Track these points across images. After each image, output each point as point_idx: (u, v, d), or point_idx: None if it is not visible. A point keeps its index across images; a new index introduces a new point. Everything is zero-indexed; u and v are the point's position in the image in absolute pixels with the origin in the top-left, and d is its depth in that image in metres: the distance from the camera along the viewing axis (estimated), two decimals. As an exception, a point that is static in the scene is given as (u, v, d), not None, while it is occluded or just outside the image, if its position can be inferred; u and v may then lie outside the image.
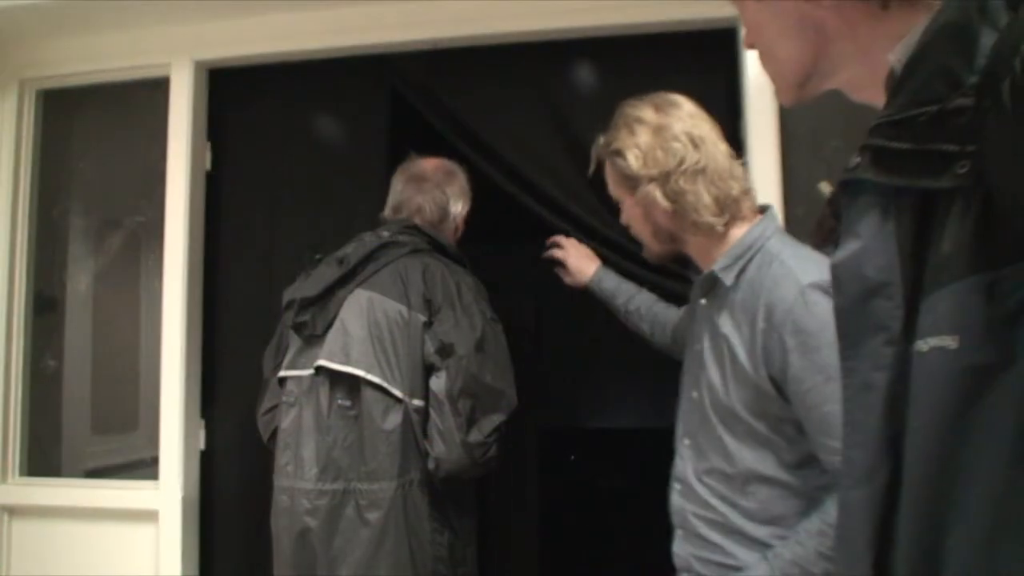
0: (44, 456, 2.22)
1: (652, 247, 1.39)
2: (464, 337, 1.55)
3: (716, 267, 1.28)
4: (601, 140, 1.36)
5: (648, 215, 1.32)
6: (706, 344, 1.30)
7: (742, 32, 0.69)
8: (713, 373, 1.27)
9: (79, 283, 2.25)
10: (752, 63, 1.86)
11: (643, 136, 1.28)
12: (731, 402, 1.23)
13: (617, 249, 1.94)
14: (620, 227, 1.92)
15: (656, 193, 1.27)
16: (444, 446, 1.52)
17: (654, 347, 1.73)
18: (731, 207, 1.28)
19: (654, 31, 1.95)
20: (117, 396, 2.24)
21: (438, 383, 1.54)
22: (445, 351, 1.54)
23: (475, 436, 1.53)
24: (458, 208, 1.79)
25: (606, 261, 1.87)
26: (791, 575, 1.13)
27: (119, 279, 2.27)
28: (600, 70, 2.03)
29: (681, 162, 1.26)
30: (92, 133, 2.29)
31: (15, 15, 2.07)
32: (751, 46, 0.68)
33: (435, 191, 1.76)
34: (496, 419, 1.56)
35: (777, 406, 1.19)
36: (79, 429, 2.23)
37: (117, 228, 2.26)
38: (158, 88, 2.18)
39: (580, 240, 1.95)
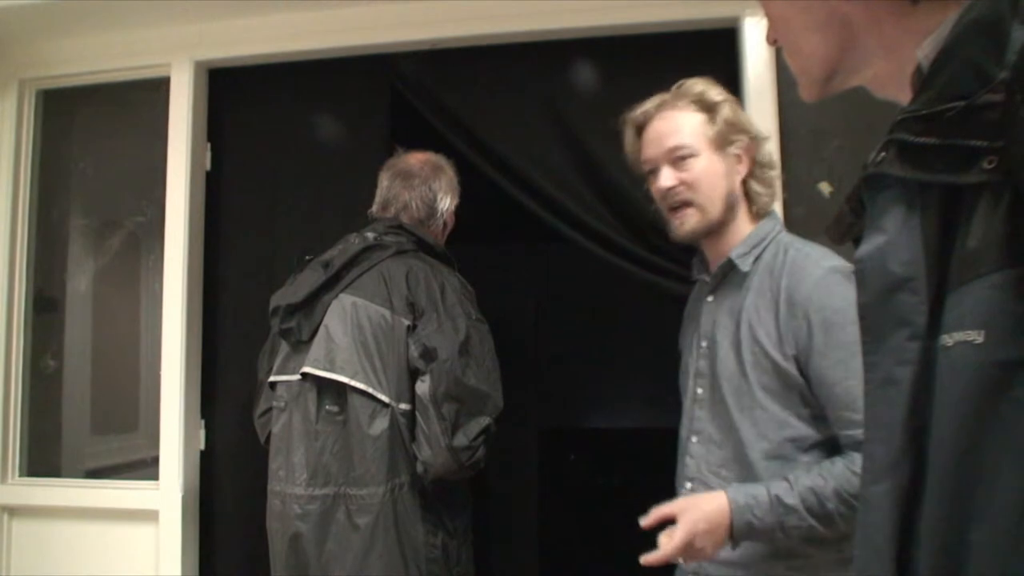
0: (44, 456, 2.21)
1: (706, 215, 1.32)
2: (447, 341, 1.55)
3: (733, 254, 1.31)
4: (697, 87, 1.35)
5: (732, 173, 1.33)
6: (718, 336, 1.32)
7: (766, 27, 0.68)
8: (730, 361, 1.28)
9: (79, 283, 2.25)
10: (752, 64, 1.86)
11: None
12: (750, 387, 1.24)
13: (616, 249, 1.94)
14: (619, 227, 1.94)
15: (758, 145, 1.35)
16: (430, 451, 1.52)
17: None
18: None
19: (654, 31, 1.96)
20: (117, 396, 2.24)
21: (423, 387, 1.54)
22: (428, 355, 1.54)
23: (460, 440, 1.52)
24: (446, 204, 1.78)
25: (602, 261, 1.86)
26: (807, 500, 1.16)
27: (119, 279, 2.27)
28: (600, 70, 2.03)
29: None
30: (92, 133, 2.29)
31: (15, 15, 2.07)
32: (774, 41, 0.67)
33: (422, 187, 1.75)
34: (482, 422, 1.55)
35: (799, 389, 1.22)
36: (79, 429, 2.23)
37: (117, 228, 2.26)
38: (158, 88, 2.18)
39: (579, 240, 1.94)
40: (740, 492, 1.19)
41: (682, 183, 1.31)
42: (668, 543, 1.16)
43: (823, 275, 1.21)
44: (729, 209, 1.33)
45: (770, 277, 1.27)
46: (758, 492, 1.18)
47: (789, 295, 1.23)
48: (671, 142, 1.32)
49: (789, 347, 1.21)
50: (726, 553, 1.25)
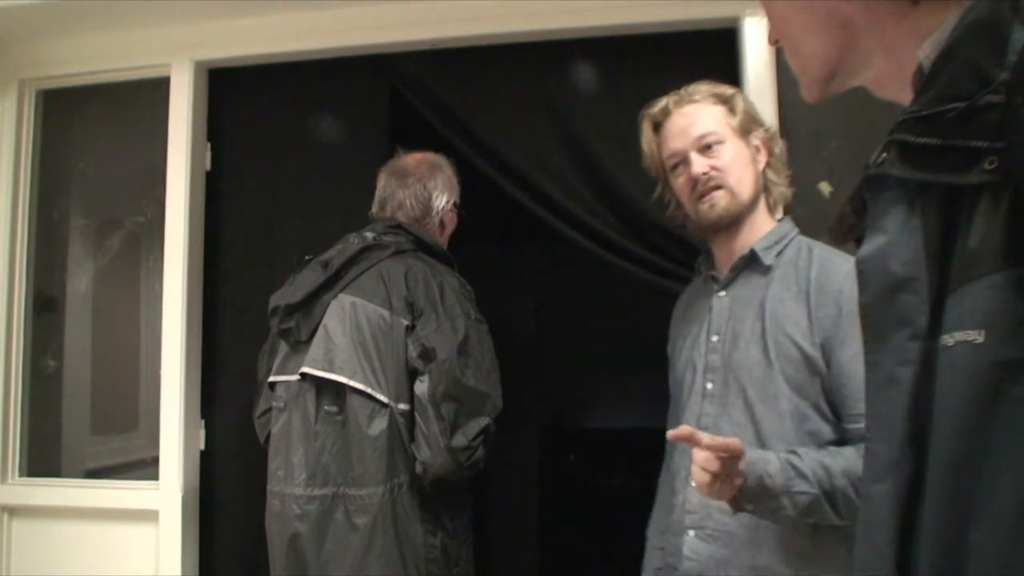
0: (44, 456, 2.21)
1: (736, 198, 1.33)
2: (446, 341, 1.54)
3: (757, 246, 1.33)
4: (705, 85, 1.38)
5: (755, 161, 1.37)
6: (735, 329, 1.32)
7: (767, 27, 0.68)
8: (752, 352, 1.28)
9: (79, 283, 2.25)
10: (752, 64, 1.86)
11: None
12: (775, 378, 1.24)
13: (616, 249, 1.94)
14: (619, 227, 1.94)
15: (774, 137, 1.38)
16: (429, 451, 1.52)
17: None
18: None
19: (654, 31, 1.96)
20: (117, 396, 2.24)
21: (422, 387, 1.54)
22: (427, 355, 1.54)
23: (459, 440, 1.52)
24: (442, 202, 1.77)
25: (602, 261, 1.85)
26: (816, 471, 1.15)
27: (119, 279, 2.27)
28: (600, 70, 2.03)
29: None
30: (92, 133, 2.29)
31: (15, 15, 2.07)
32: (775, 42, 0.67)
33: (416, 186, 1.75)
34: (481, 422, 1.55)
35: (821, 380, 1.22)
36: (79, 429, 2.24)
37: (117, 228, 2.26)
38: (158, 88, 2.18)
39: (579, 240, 1.95)
40: (752, 451, 1.16)
41: (713, 168, 1.33)
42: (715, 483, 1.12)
43: (851, 269, 1.23)
44: (756, 196, 1.36)
45: (795, 270, 1.29)
46: (768, 454, 1.17)
47: (820, 285, 1.25)
48: (698, 130, 1.34)
49: (818, 334, 1.23)
50: (727, 552, 1.25)
